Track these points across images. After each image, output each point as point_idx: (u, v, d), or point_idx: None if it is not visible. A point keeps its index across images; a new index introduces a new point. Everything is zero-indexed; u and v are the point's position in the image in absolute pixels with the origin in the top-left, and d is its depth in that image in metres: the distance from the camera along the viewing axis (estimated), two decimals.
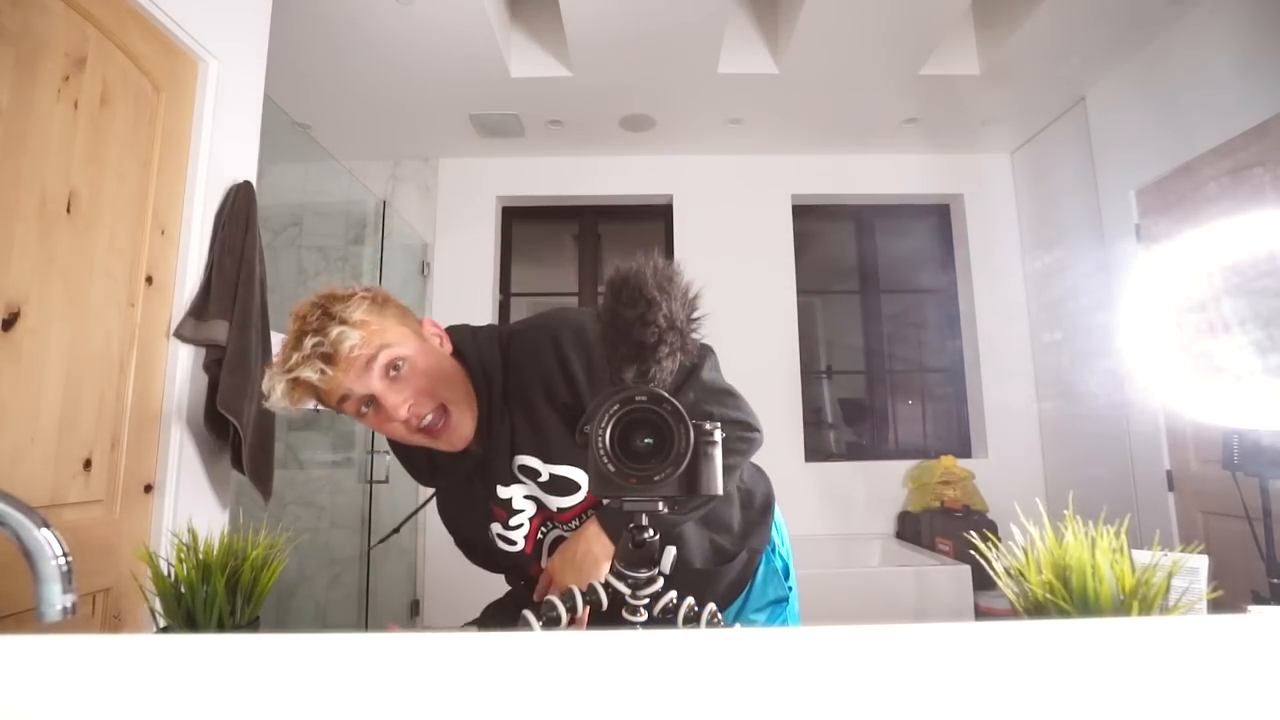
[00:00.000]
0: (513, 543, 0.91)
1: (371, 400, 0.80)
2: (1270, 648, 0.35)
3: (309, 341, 0.77)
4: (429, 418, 0.81)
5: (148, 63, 1.43)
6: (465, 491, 0.93)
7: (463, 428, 0.85)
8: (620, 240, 3.86)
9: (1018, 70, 2.84)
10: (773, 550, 1.00)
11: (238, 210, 1.61)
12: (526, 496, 0.90)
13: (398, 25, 2.45)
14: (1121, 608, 0.50)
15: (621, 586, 0.61)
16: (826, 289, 3.86)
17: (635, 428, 0.56)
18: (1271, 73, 2.15)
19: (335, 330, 0.77)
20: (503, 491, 0.89)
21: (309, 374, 0.76)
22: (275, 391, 0.77)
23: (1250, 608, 0.56)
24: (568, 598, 0.62)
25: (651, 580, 0.60)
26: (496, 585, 1.00)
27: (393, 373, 0.80)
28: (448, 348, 0.89)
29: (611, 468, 0.55)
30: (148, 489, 1.43)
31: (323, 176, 3.32)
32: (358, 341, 0.78)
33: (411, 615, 3.24)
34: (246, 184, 1.66)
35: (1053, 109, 3.18)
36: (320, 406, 0.83)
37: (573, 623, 0.62)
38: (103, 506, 1.32)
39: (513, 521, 0.91)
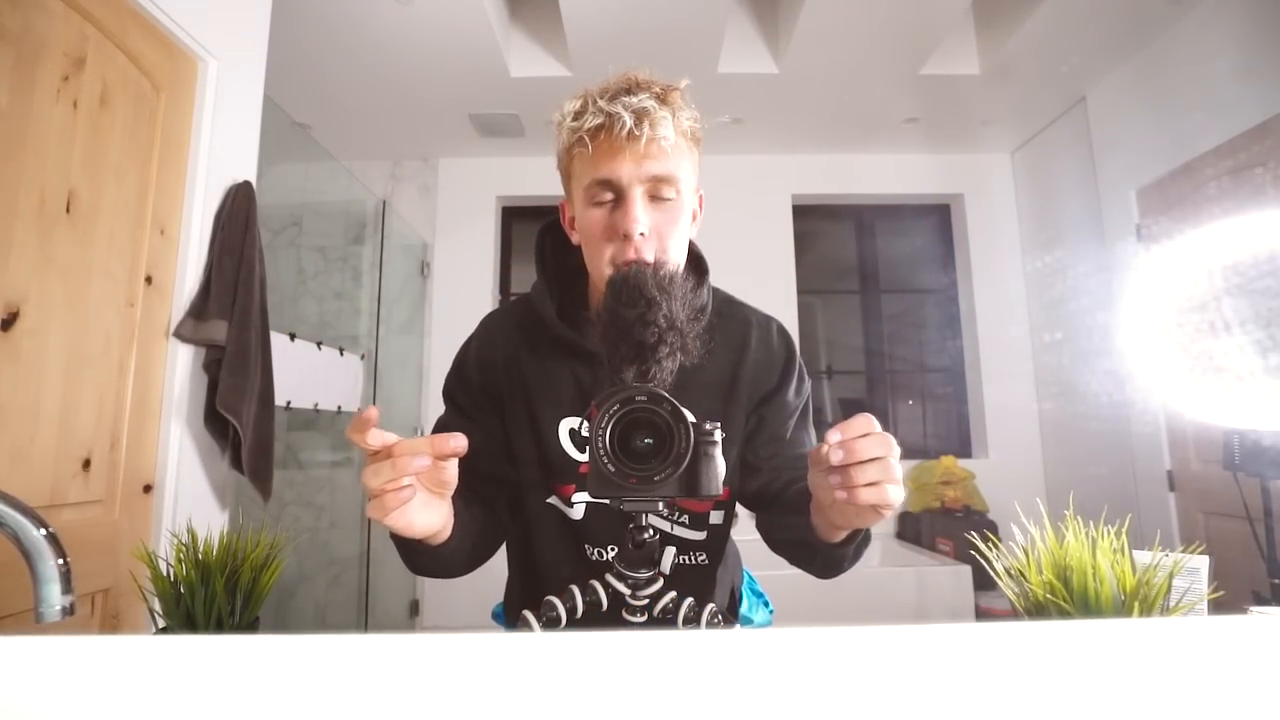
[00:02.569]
0: (584, 450, 0.79)
1: (616, 200, 0.71)
2: (1271, 648, 0.35)
3: (640, 96, 0.68)
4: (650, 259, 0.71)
5: (147, 63, 1.43)
6: (572, 373, 0.80)
7: None
8: None
9: (1018, 70, 2.84)
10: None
11: (237, 210, 1.61)
12: None
13: (397, 25, 2.45)
14: (1122, 608, 0.50)
15: (621, 587, 0.61)
16: (826, 289, 3.86)
17: (635, 428, 0.56)
18: (1271, 73, 2.15)
19: (661, 111, 0.69)
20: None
21: (626, 117, 0.67)
22: (578, 119, 0.69)
23: (1251, 608, 0.56)
24: (568, 598, 0.62)
25: (651, 580, 0.60)
26: (496, 586, 1.00)
27: (657, 198, 0.71)
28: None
29: (611, 468, 0.55)
30: (147, 489, 1.43)
31: (323, 176, 3.32)
32: (670, 138, 0.69)
33: (411, 615, 3.24)
34: (246, 184, 1.66)
35: (1053, 109, 3.18)
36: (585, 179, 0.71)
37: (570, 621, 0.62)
38: (102, 507, 1.32)
39: None
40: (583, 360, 0.80)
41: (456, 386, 0.85)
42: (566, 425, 0.80)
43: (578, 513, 0.81)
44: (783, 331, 0.88)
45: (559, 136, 0.74)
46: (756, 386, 0.83)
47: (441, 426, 0.83)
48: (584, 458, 0.79)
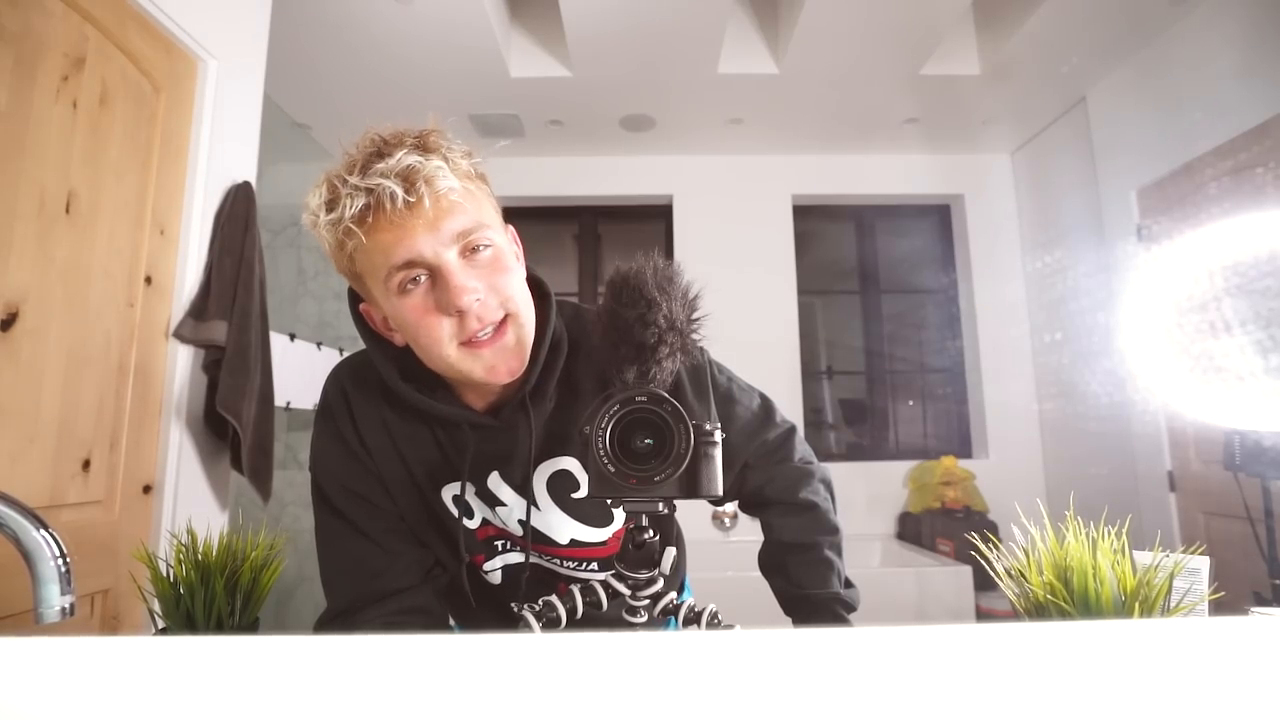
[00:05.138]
0: (471, 515, 0.74)
1: (430, 275, 0.61)
2: (1272, 649, 0.35)
3: (398, 155, 0.58)
4: (489, 329, 0.63)
5: (147, 63, 1.43)
6: (434, 436, 0.73)
7: (521, 352, 0.66)
8: (620, 240, 3.86)
9: (1018, 70, 2.84)
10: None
11: (237, 210, 1.61)
12: (520, 521, 0.73)
13: (398, 25, 2.45)
14: (1123, 609, 0.50)
15: (621, 587, 0.61)
16: (827, 289, 3.86)
17: (635, 428, 0.56)
18: (1272, 73, 2.15)
19: (432, 162, 0.59)
20: (494, 485, 0.73)
21: (393, 186, 0.57)
22: (332, 210, 0.59)
23: (1252, 609, 0.56)
24: (568, 598, 0.62)
25: (651, 581, 0.60)
26: None
27: (472, 253, 0.62)
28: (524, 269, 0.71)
29: (611, 468, 0.55)
30: (147, 490, 1.43)
31: None
32: (457, 187, 0.60)
33: None
34: (246, 184, 1.66)
35: (1053, 109, 3.18)
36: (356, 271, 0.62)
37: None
38: (102, 507, 1.32)
39: (503, 496, 0.73)
40: (438, 424, 0.72)
41: (345, 480, 0.72)
42: (449, 493, 0.73)
43: (495, 578, 0.78)
44: None
45: (322, 238, 0.62)
46: None
47: (332, 538, 0.72)
48: (472, 524, 0.75)
